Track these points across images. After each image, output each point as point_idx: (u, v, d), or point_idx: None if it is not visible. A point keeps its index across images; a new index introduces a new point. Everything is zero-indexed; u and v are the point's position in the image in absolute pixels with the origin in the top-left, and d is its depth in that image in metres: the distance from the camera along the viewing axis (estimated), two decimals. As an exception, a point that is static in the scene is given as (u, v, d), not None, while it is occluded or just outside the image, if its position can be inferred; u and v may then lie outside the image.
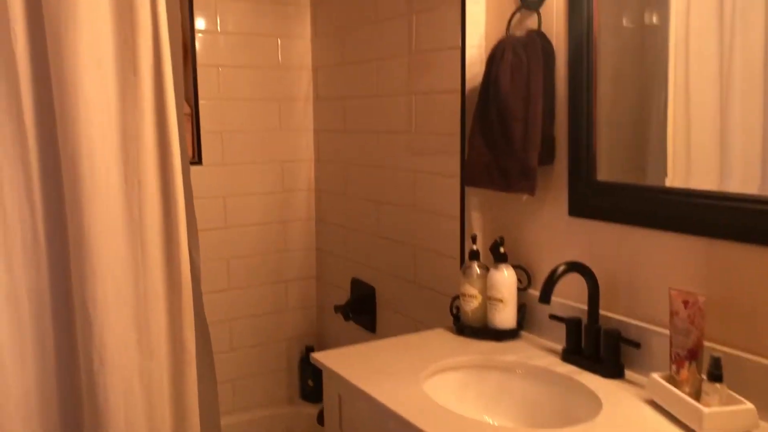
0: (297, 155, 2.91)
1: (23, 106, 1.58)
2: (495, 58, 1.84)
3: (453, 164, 2.08)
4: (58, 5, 1.55)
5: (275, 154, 2.87)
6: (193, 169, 2.58)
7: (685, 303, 1.40)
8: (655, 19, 1.65)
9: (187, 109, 2.64)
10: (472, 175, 1.93)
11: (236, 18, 2.73)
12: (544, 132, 1.77)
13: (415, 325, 2.32)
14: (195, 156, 2.70)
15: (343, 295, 2.76)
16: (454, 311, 2.00)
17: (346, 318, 2.65)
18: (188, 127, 2.65)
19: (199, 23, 2.65)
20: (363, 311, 2.63)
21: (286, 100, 2.86)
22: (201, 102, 2.68)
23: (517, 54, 1.79)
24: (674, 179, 1.58)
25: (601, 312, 1.66)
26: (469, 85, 2.02)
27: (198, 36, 2.65)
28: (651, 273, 1.59)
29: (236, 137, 2.78)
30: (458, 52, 2.02)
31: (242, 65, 2.76)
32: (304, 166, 2.93)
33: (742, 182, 1.45)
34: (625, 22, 1.71)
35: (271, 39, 2.80)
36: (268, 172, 2.86)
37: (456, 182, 2.08)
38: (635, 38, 1.70)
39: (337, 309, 2.67)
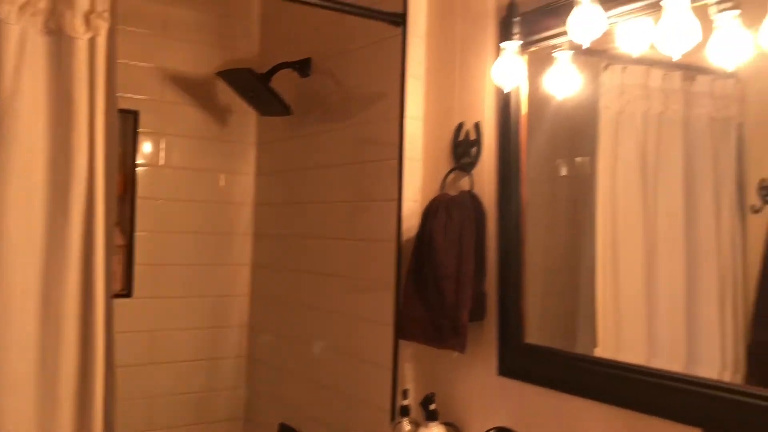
0: (232, 290, 2.87)
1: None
2: (429, 215, 1.89)
3: (387, 313, 2.07)
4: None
5: (209, 288, 2.81)
6: (122, 301, 2.52)
7: (612, 478, 1.38)
8: (583, 192, 1.72)
9: (120, 241, 2.59)
10: (405, 328, 1.93)
11: (181, 152, 2.76)
12: (475, 289, 1.80)
13: (343, 478, 2.22)
14: (125, 288, 2.63)
15: (270, 441, 2.63)
16: (383, 470, 1.92)
17: (272, 466, 2.52)
18: (120, 259, 2.60)
19: (143, 157, 2.67)
20: (290, 459, 2.50)
21: (224, 235, 2.85)
22: (138, 234, 2.64)
23: (450, 213, 1.84)
24: (604, 349, 1.59)
25: (531, 478, 1.63)
26: (405, 236, 2.05)
27: (140, 169, 2.66)
28: (580, 441, 1.57)
29: (170, 270, 2.73)
30: (395, 204, 2.07)
31: (183, 199, 2.76)
32: (238, 302, 2.88)
33: (669, 359, 1.45)
34: (553, 184, 1.80)
35: (214, 174, 2.83)
36: (201, 307, 2.79)
37: (390, 331, 2.06)
38: (564, 201, 1.78)
39: (263, 456, 2.54)
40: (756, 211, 1.38)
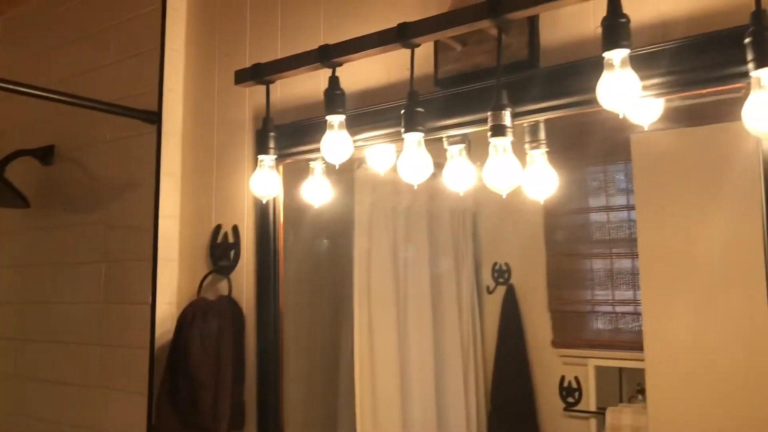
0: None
1: None
2: (185, 322, 1.82)
3: (139, 427, 1.93)
4: None
5: None
6: None
7: None
8: (342, 289, 1.76)
9: None
10: (159, 443, 1.81)
11: None
12: (234, 399, 1.76)
13: None
14: None
15: None
16: None
17: None
18: None
19: None
20: None
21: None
22: None
23: (207, 320, 1.79)
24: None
25: None
26: (159, 342, 1.95)
27: None
28: None
29: None
30: (149, 308, 1.97)
31: None
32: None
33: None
34: (313, 285, 1.84)
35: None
36: None
37: (143, 447, 1.92)
38: (325, 301, 1.83)
39: None
40: (490, 291, 1.56)
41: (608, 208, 1.51)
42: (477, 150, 1.42)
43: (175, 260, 2.00)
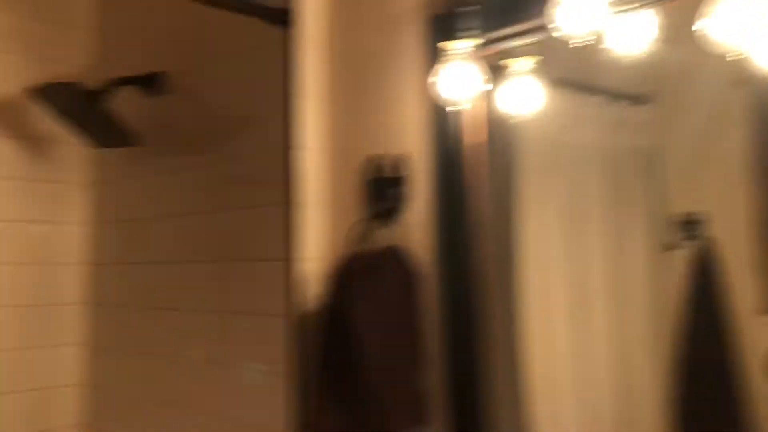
0: (57, 380, 2.15)
1: None
2: (341, 283, 1.37)
3: (276, 422, 1.51)
4: None
5: (24, 380, 2.07)
6: None
7: None
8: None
9: None
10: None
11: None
12: (412, 384, 1.31)
13: None
14: None
15: None
16: None
17: None
18: None
19: None
20: None
21: (42, 307, 2.12)
22: None
23: (372, 280, 1.34)
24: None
25: None
26: (300, 310, 1.52)
27: None
28: None
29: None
30: (283, 265, 1.54)
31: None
32: (66, 396, 2.16)
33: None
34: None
35: (25, 225, 2.10)
36: (14, 407, 2.04)
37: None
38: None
39: None
40: (679, 249, 1.23)
41: None
42: None
43: (319, 203, 1.57)
